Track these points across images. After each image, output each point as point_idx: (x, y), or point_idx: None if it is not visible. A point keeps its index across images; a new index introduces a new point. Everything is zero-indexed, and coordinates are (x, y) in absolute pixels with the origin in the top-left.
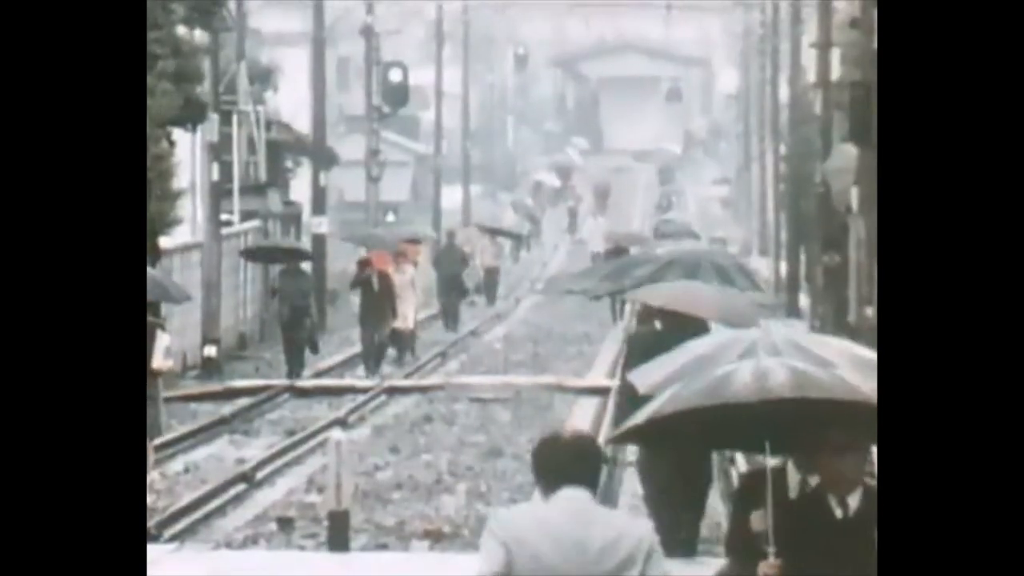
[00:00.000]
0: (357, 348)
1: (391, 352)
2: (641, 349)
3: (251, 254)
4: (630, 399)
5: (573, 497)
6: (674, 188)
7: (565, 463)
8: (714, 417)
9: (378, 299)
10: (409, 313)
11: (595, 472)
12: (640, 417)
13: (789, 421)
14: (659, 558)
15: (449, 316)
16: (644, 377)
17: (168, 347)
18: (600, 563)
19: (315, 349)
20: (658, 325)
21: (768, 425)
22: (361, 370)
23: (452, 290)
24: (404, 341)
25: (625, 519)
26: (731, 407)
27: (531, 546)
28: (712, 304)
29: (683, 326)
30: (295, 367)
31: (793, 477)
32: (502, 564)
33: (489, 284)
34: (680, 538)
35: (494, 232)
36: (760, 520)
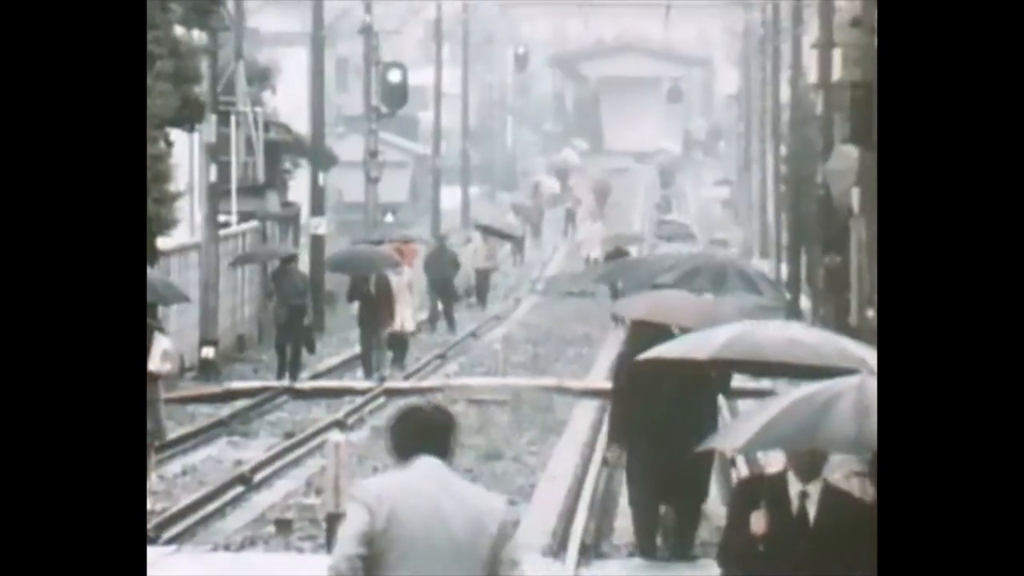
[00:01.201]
0: (356, 350)
1: (389, 354)
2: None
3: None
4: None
5: (430, 463)
6: (674, 190)
7: (422, 433)
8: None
9: (377, 302)
10: (407, 315)
11: (446, 442)
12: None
13: None
14: (513, 540)
15: (441, 320)
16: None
17: (167, 350)
18: (453, 524)
19: (311, 348)
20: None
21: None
22: (359, 372)
23: (443, 294)
24: (401, 344)
25: (479, 491)
26: None
27: (391, 505)
28: (691, 313)
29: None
30: (291, 367)
31: (794, 485)
32: (364, 524)
33: (480, 286)
34: (668, 543)
35: (488, 231)
36: (759, 521)
